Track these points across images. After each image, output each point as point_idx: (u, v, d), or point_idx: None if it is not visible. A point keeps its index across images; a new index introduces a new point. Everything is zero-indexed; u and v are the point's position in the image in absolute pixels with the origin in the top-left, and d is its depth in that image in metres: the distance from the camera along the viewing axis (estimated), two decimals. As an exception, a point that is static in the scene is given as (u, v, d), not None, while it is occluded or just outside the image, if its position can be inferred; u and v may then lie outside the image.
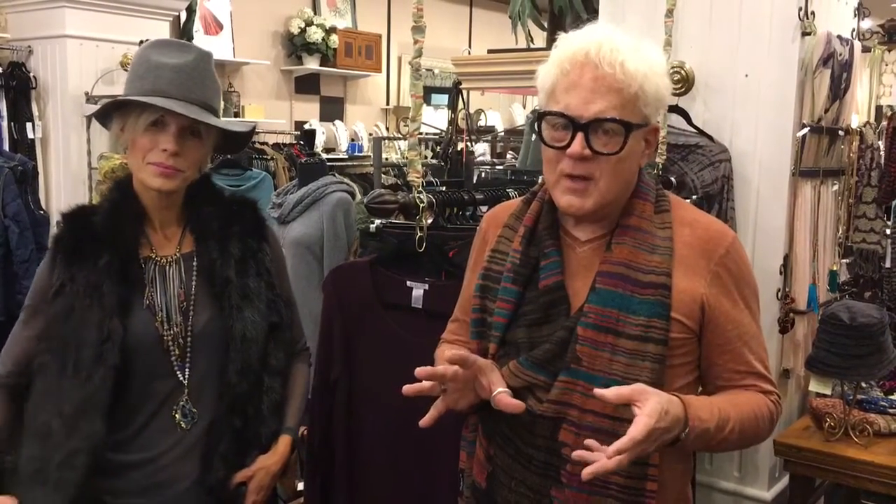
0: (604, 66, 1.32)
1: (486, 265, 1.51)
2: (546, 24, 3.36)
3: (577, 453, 1.22)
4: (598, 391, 1.23)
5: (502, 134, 6.46)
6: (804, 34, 2.62)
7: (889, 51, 4.04)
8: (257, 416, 1.67)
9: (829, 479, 2.62)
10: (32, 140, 4.88)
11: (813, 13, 2.66)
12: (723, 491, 2.82)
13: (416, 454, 1.86)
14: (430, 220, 1.85)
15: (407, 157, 1.82)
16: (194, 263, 1.66)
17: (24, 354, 1.64)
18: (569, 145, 1.34)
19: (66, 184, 4.92)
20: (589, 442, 1.23)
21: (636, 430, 1.18)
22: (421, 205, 1.80)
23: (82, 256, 1.58)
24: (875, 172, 3.02)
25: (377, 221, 1.91)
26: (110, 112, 1.61)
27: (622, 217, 1.42)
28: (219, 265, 1.65)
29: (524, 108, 8.94)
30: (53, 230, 4.01)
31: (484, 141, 6.28)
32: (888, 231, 3.14)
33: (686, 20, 2.76)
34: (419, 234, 1.81)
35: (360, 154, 7.09)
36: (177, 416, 1.63)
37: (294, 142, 6.38)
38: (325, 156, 6.01)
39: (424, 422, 1.37)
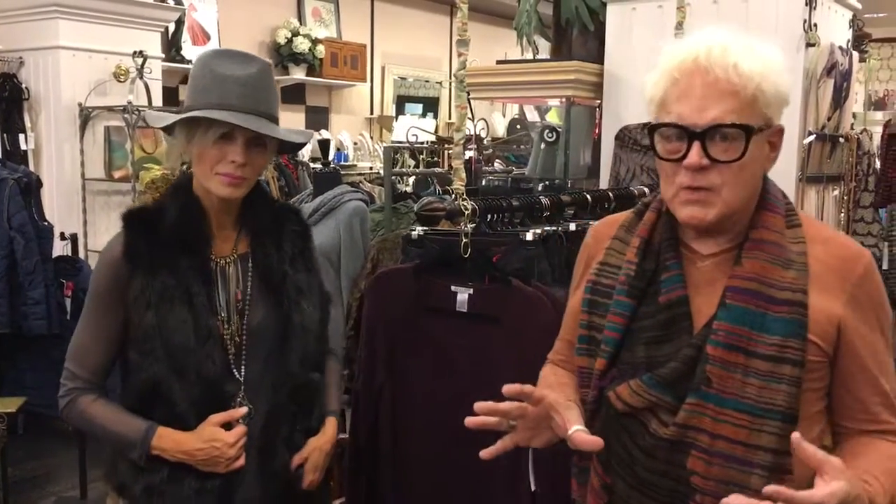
0: (715, 71, 1.23)
1: (594, 278, 1.42)
2: (552, 36, 3.43)
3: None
4: (795, 437, 1.11)
5: (489, 140, 6.53)
6: (808, 45, 2.74)
7: (868, 58, 4.16)
8: (310, 400, 1.73)
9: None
10: (25, 151, 4.86)
11: (816, 25, 2.77)
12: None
13: (464, 457, 1.90)
14: (471, 226, 1.89)
15: (453, 166, 1.87)
16: (249, 263, 1.71)
17: (102, 361, 1.67)
18: (685, 156, 1.26)
19: (59, 194, 4.91)
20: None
21: (810, 494, 1.08)
22: (466, 211, 1.85)
23: (160, 264, 1.61)
24: (872, 178, 3.14)
25: (419, 228, 1.96)
26: (176, 123, 1.64)
27: (752, 230, 1.32)
28: (275, 261, 1.71)
29: (503, 116, 9.03)
30: (56, 241, 4.05)
31: (469, 149, 6.35)
32: (884, 234, 3.26)
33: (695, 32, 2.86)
34: (464, 239, 1.85)
35: (346, 163, 7.13)
36: (245, 410, 1.67)
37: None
38: (312, 165, 6.04)
39: (486, 453, 1.31)
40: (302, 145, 1.82)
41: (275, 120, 1.66)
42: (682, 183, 1.28)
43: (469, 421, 1.26)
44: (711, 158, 1.24)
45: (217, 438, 1.60)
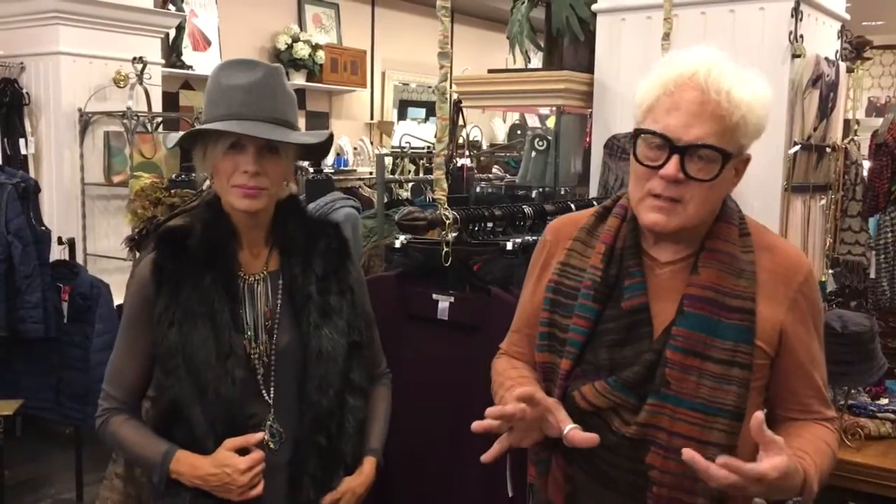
0: (710, 92, 1.29)
1: (557, 279, 1.49)
2: (543, 45, 3.46)
3: (686, 451, 1.23)
4: (757, 416, 1.22)
5: (487, 148, 6.57)
6: (794, 56, 2.77)
7: (856, 69, 4.20)
8: (340, 434, 1.65)
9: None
10: (25, 156, 4.90)
11: (802, 36, 2.80)
12: (720, 494, 2.93)
13: (443, 460, 1.94)
14: (453, 235, 1.92)
15: (434, 177, 1.90)
16: (280, 282, 1.66)
17: (135, 382, 1.66)
18: (662, 166, 1.32)
19: (58, 199, 4.95)
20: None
21: (753, 467, 1.21)
22: (447, 221, 1.88)
23: (186, 281, 1.58)
24: (859, 187, 3.16)
25: (402, 237, 1.99)
26: (191, 140, 1.62)
27: (708, 240, 1.41)
28: (300, 281, 1.65)
29: (504, 122, 9.07)
30: (54, 245, 4.08)
31: (467, 156, 6.38)
32: (872, 243, 3.28)
33: (681, 43, 2.89)
34: (445, 248, 1.88)
35: (346, 168, 7.17)
36: (265, 436, 1.60)
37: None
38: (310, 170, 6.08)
39: (487, 457, 1.38)
40: (328, 149, 1.74)
41: (288, 124, 1.59)
42: (652, 189, 1.35)
43: (476, 425, 1.32)
44: (686, 174, 1.31)
45: (229, 464, 1.53)
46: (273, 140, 1.54)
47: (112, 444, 1.68)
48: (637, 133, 1.38)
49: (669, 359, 1.35)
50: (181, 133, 1.71)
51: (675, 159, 1.31)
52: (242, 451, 1.56)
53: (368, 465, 1.71)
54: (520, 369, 1.55)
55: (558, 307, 1.47)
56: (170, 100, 5.96)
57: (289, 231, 1.68)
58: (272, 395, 1.62)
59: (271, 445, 1.60)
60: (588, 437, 1.31)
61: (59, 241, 4.12)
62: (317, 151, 1.76)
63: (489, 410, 1.33)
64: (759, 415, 1.23)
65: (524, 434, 1.37)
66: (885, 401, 2.87)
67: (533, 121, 7.53)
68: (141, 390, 1.68)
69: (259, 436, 1.58)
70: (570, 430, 1.33)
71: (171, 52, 6.18)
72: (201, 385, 1.55)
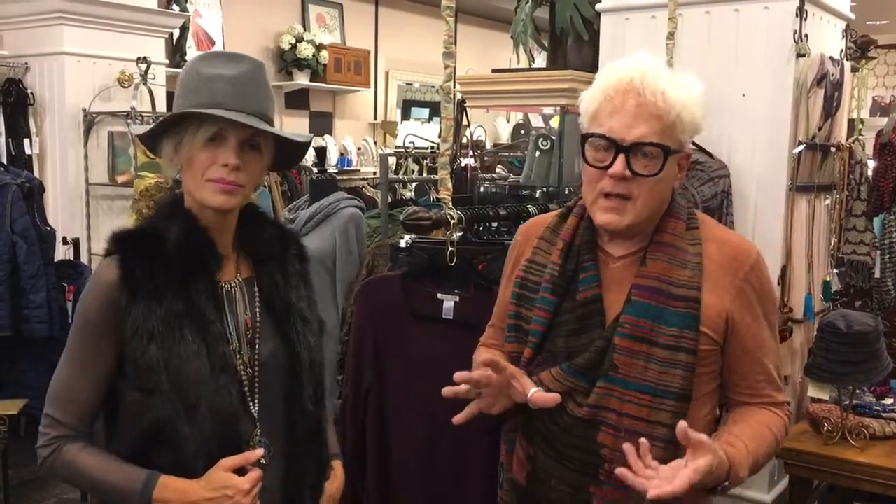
0: (646, 94, 1.41)
1: (523, 275, 1.60)
2: (547, 44, 3.47)
3: (619, 471, 1.32)
4: (680, 425, 1.31)
5: (491, 148, 6.57)
6: (799, 56, 2.77)
7: (860, 68, 4.20)
8: (324, 441, 1.62)
9: (827, 480, 2.73)
10: (30, 156, 4.91)
11: (806, 36, 2.80)
12: (724, 494, 2.93)
13: (448, 460, 1.94)
14: (458, 235, 1.92)
15: (438, 176, 1.90)
16: (255, 289, 1.56)
17: (90, 404, 1.48)
18: (610, 166, 1.43)
19: (63, 199, 4.95)
20: (626, 446, 1.35)
21: (679, 482, 1.29)
22: (452, 221, 1.88)
23: (166, 289, 1.43)
24: (864, 186, 3.16)
25: (406, 236, 1.99)
26: (162, 131, 1.48)
27: (656, 234, 1.51)
28: (282, 288, 1.57)
29: (507, 122, 9.07)
30: (59, 245, 4.09)
31: (471, 156, 6.38)
32: (876, 243, 3.28)
33: (685, 42, 2.90)
34: (450, 248, 1.88)
35: (350, 168, 7.17)
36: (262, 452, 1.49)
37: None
38: (314, 170, 6.08)
39: (458, 419, 1.49)
40: (300, 157, 1.66)
41: (270, 122, 1.50)
42: (603, 188, 1.46)
43: (446, 390, 1.45)
44: (633, 171, 1.43)
45: (229, 485, 1.40)
46: (257, 134, 1.45)
47: (67, 475, 1.48)
48: (584, 138, 1.48)
49: (617, 345, 1.45)
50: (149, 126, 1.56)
51: (621, 158, 1.42)
52: (237, 472, 1.43)
53: (339, 469, 1.67)
54: (494, 355, 1.62)
55: (523, 301, 1.58)
56: (173, 100, 5.96)
57: (265, 236, 1.60)
58: (256, 409, 1.51)
59: (263, 461, 1.48)
60: (550, 397, 1.42)
61: (64, 241, 4.13)
62: (288, 161, 1.65)
63: (457, 375, 1.43)
64: (682, 423, 1.32)
65: (493, 400, 1.48)
66: (889, 401, 2.87)
67: (537, 120, 7.54)
68: (94, 415, 1.49)
69: (259, 452, 1.47)
70: (534, 392, 1.43)
71: (175, 52, 6.19)
72: (190, 401, 1.40)
